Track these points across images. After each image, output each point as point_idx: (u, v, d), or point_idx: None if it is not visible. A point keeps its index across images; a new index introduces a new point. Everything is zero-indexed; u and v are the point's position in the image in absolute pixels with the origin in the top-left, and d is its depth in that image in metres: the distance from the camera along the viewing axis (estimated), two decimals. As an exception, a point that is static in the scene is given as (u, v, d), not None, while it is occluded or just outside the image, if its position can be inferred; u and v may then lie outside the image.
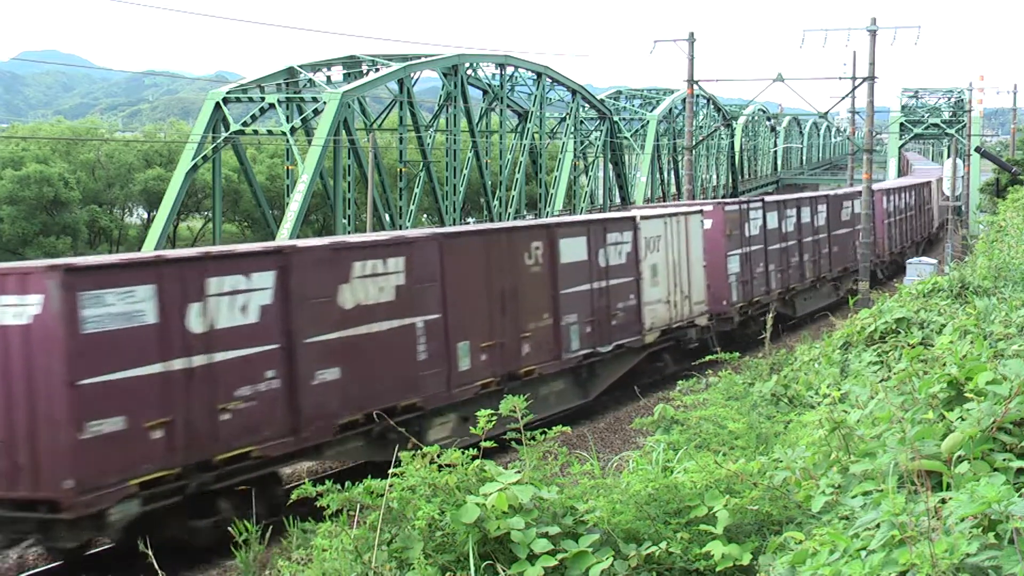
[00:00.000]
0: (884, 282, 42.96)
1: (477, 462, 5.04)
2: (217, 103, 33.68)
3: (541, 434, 5.59)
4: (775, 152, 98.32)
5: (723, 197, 71.54)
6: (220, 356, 14.00)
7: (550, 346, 20.68)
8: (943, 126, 73.89)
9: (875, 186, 45.18)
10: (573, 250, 21.48)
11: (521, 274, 19.94)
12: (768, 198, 35.58)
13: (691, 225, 26.48)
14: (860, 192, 39.81)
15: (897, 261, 48.07)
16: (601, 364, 22.62)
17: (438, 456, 5.07)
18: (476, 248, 19.19)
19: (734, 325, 29.24)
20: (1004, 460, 3.94)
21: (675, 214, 25.99)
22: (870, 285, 38.16)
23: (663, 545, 4.52)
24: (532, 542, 4.56)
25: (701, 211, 27.56)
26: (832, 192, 42.30)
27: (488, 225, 26.80)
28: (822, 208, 37.95)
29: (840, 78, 43.40)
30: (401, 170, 39.42)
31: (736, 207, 30.44)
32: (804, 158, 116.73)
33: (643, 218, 24.24)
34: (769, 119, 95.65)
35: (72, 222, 54.40)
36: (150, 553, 6.13)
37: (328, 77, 37.50)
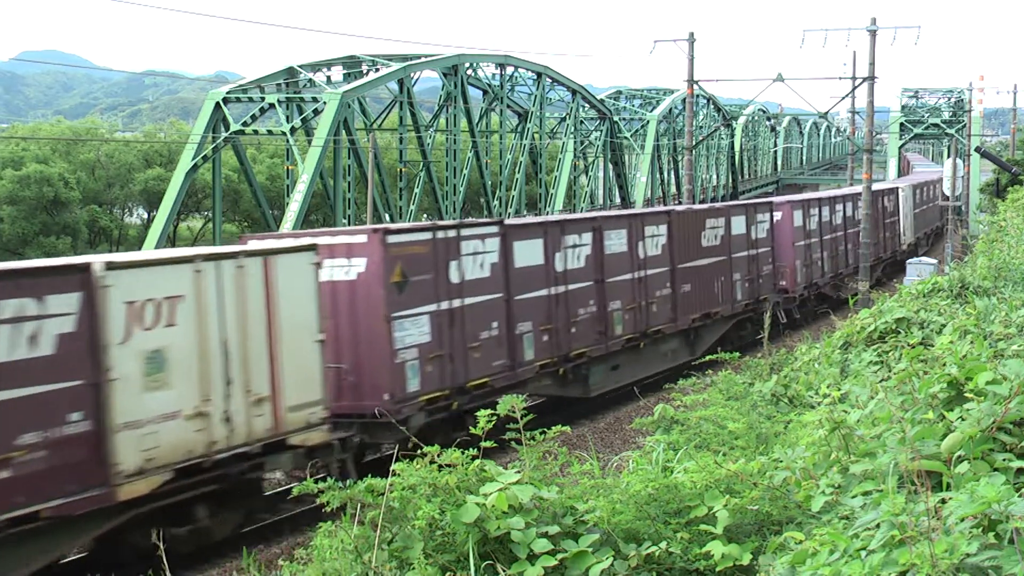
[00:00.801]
0: (800, 325, 31.90)
1: (477, 462, 5.05)
2: (217, 103, 33.72)
3: (541, 434, 5.60)
4: (775, 152, 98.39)
5: (723, 198, 71.40)
6: None
7: None
8: (943, 126, 73.90)
9: (796, 197, 39.59)
10: None
11: None
12: (516, 220, 25.46)
13: (276, 273, 15.23)
14: (742, 207, 31.49)
15: (825, 295, 36.54)
16: None
17: (438, 456, 5.08)
18: None
19: (410, 431, 13.86)
20: (1004, 460, 3.94)
21: (228, 255, 14.72)
22: (758, 331, 32.12)
23: (663, 545, 4.53)
24: (532, 542, 4.57)
25: (313, 247, 16.03)
26: (682, 209, 29.98)
27: None
28: (657, 231, 25.47)
29: (840, 78, 43.38)
30: (401, 170, 39.47)
31: (426, 236, 18.46)
32: (804, 158, 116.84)
33: (113, 267, 12.98)
34: (769, 119, 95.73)
35: (72, 222, 54.45)
36: (162, 548, 6.17)
37: (328, 77, 37.56)
